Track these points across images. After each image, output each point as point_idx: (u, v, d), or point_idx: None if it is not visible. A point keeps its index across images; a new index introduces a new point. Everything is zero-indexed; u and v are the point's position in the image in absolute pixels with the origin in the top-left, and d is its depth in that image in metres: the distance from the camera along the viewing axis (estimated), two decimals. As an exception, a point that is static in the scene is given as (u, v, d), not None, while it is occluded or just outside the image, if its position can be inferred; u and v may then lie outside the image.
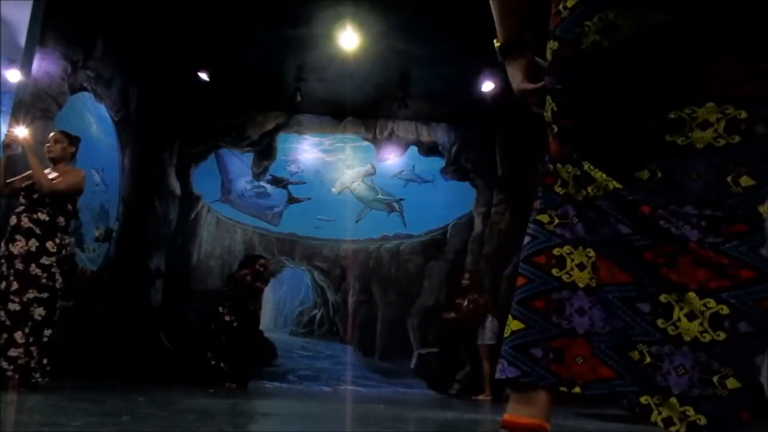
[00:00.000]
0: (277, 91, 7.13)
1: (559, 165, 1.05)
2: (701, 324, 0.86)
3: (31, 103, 4.71)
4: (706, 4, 0.88)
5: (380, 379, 7.07)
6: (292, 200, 7.62)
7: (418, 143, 7.83)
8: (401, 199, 7.67)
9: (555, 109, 1.06)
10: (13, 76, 6.10)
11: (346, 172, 7.76)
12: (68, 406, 2.74)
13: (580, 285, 0.98)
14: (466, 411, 4.48)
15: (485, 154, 7.74)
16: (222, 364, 5.91)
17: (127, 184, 6.75)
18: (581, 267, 0.99)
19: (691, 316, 0.87)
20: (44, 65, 4.86)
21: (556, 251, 1.03)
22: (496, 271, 7.29)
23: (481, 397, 6.10)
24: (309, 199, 7.62)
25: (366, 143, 7.83)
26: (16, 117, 4.51)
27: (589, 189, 0.99)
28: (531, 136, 7.43)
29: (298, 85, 6.83)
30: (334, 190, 7.70)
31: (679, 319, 0.87)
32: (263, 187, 7.62)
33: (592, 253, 0.99)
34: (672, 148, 0.92)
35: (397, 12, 5.48)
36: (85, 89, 5.59)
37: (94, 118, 5.82)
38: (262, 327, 7.04)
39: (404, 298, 7.33)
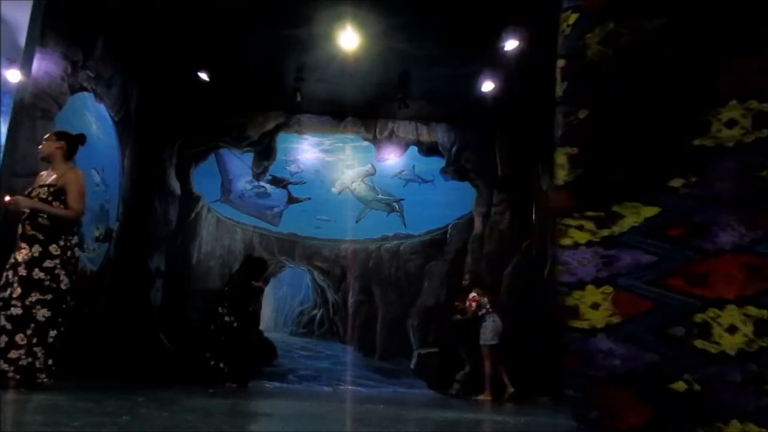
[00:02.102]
0: (277, 91, 7.13)
1: (570, 218, 1.04)
2: (745, 335, 0.85)
3: (31, 103, 4.71)
4: (705, 5, 0.89)
5: (380, 379, 7.07)
6: (292, 200, 7.62)
7: (418, 143, 7.83)
8: (401, 199, 7.67)
9: (572, 137, 1.04)
10: (13, 76, 6.10)
11: (346, 172, 7.76)
12: (68, 406, 2.74)
13: (599, 326, 0.95)
14: (466, 411, 4.48)
15: (485, 154, 7.74)
16: (221, 364, 5.91)
17: (127, 184, 6.75)
18: (595, 306, 0.97)
19: (732, 330, 0.85)
20: (44, 65, 4.86)
21: (569, 302, 1.01)
22: (496, 271, 7.29)
23: (481, 397, 6.10)
24: (309, 199, 7.62)
25: (366, 143, 7.83)
26: (15, 119, 4.52)
27: (614, 227, 0.98)
28: (531, 136, 7.44)
29: (298, 85, 6.83)
30: (334, 190, 7.70)
31: (720, 336, 0.86)
32: (263, 187, 7.62)
33: (609, 289, 0.97)
34: (702, 152, 0.93)
35: (397, 12, 5.48)
36: (85, 89, 5.59)
37: (94, 118, 5.82)
38: (262, 327, 7.05)
39: (404, 298, 7.33)
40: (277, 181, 7.64)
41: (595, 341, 0.94)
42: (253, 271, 6.47)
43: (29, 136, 4.68)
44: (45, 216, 3.60)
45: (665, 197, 0.95)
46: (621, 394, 0.90)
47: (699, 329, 0.86)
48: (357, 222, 7.60)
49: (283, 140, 7.75)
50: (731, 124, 0.91)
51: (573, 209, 1.04)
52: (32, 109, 4.72)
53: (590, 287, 0.98)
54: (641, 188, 0.97)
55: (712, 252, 0.90)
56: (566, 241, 1.04)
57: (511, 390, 6.01)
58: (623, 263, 0.96)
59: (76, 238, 3.80)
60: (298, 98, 6.91)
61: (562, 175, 1.06)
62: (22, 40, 4.97)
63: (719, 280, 0.87)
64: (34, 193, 3.69)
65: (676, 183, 0.95)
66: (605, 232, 0.99)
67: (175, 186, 7.42)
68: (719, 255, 0.89)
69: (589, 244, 1.01)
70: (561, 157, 1.06)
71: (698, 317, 0.87)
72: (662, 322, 0.90)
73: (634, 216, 0.96)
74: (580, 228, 1.02)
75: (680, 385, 0.86)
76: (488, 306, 6.35)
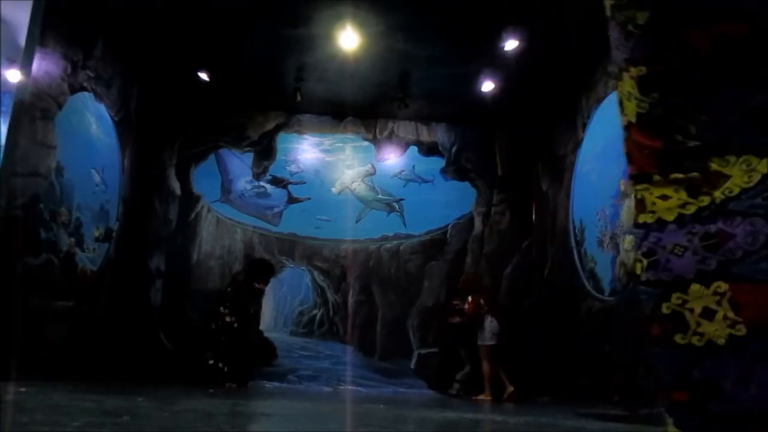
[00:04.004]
0: (277, 91, 7.12)
1: (647, 182, 0.76)
2: None
3: (31, 103, 4.71)
4: None
5: (380, 379, 7.07)
6: (292, 200, 7.62)
7: (418, 143, 7.83)
8: (401, 199, 7.67)
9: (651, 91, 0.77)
10: (13, 76, 6.10)
11: (346, 172, 7.76)
12: (68, 406, 2.74)
13: (720, 342, 0.68)
14: (466, 411, 4.48)
15: (485, 154, 7.73)
16: (221, 364, 5.91)
17: (127, 184, 6.74)
18: (708, 315, 0.68)
19: None
20: (44, 65, 4.85)
21: (665, 308, 0.72)
22: (496, 271, 7.29)
23: (481, 397, 6.10)
24: (309, 199, 7.62)
25: (366, 143, 7.83)
26: (15, 119, 4.52)
27: (716, 193, 0.71)
28: (531, 136, 7.45)
29: (298, 85, 6.83)
30: (334, 190, 7.70)
31: None
32: (263, 187, 7.62)
33: (723, 287, 0.71)
34: None
35: (397, 12, 5.48)
36: (85, 89, 5.59)
37: (94, 118, 5.81)
38: (262, 327, 7.04)
39: (404, 298, 7.32)
40: (277, 181, 7.64)
41: (718, 364, 0.69)
42: (258, 274, 6.46)
43: (29, 136, 4.69)
44: None
45: None
46: None
47: None
48: (357, 222, 7.59)
49: (283, 140, 7.75)
50: None
51: (651, 165, 0.76)
52: (32, 109, 4.72)
53: (695, 287, 0.71)
54: (751, 130, 0.70)
55: None
56: (645, 218, 0.75)
57: (510, 389, 6.00)
58: (736, 243, 0.70)
59: None
60: (298, 98, 6.91)
61: (630, 110, 0.77)
62: (22, 40, 4.97)
63: None
64: None
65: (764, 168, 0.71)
66: (703, 200, 0.72)
67: (175, 186, 7.42)
68: None
69: (680, 220, 0.73)
70: (627, 83, 0.77)
71: None
72: None
73: (743, 174, 0.70)
74: (664, 197, 0.74)
75: None
76: (486, 308, 6.33)
